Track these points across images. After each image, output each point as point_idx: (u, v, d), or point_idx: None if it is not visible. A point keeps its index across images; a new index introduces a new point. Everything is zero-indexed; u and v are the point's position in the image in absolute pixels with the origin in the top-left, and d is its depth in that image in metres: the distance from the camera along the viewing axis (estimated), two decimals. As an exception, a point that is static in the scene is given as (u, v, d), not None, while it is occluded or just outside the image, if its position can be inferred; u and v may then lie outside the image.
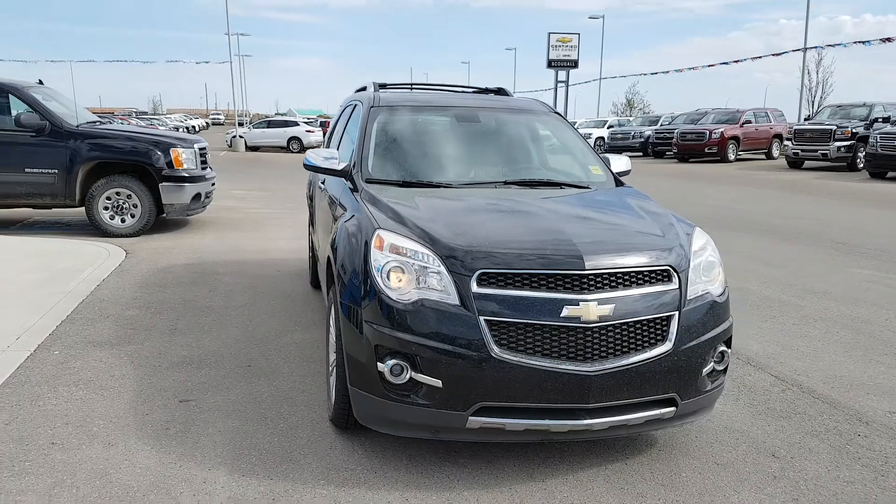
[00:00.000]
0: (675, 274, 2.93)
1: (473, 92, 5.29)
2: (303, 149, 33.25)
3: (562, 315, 2.69)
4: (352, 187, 3.72)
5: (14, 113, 8.07)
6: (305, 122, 37.32)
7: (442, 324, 2.71)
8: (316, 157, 3.97)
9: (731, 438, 3.34)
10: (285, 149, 33.57)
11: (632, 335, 2.78)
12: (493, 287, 2.75)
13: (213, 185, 9.54)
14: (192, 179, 8.73)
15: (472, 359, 2.67)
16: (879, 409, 3.68)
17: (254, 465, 2.94)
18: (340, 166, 3.89)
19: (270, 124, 35.77)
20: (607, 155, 4.37)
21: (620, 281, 2.82)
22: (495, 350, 2.67)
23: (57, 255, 6.97)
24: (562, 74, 45.45)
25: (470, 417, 2.72)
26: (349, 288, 2.98)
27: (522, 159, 4.21)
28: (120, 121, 25.60)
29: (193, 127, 60.75)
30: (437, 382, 2.71)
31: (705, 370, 2.95)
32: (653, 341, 2.82)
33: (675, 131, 26.07)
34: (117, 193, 8.36)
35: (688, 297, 2.93)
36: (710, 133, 24.70)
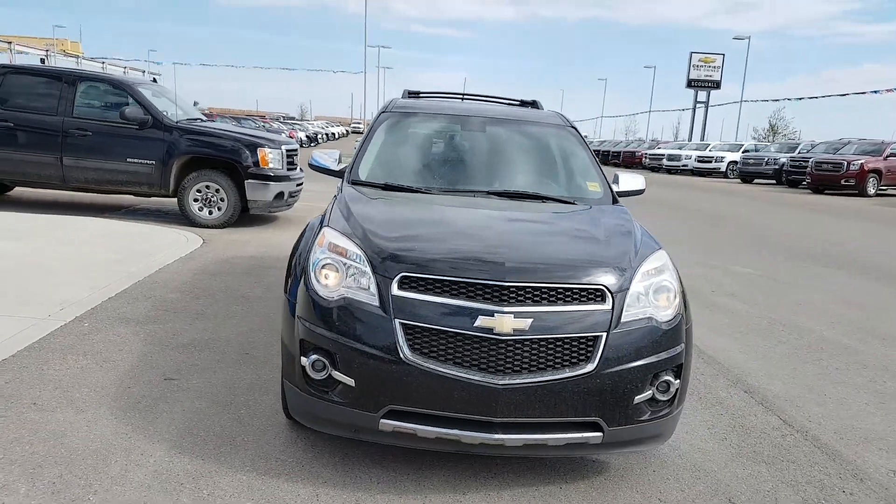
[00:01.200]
0: (609, 294, 2.79)
1: (504, 103, 5.26)
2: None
3: (475, 325, 2.64)
4: (339, 188, 3.83)
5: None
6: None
7: (361, 324, 2.74)
8: (321, 156, 4.11)
9: (691, 477, 3.11)
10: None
11: (550, 352, 2.67)
12: (413, 291, 2.74)
13: (299, 185, 10.01)
14: (277, 179, 9.23)
15: (383, 361, 2.67)
16: (883, 468, 3.28)
17: (194, 445, 3.09)
18: (339, 167, 4.00)
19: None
20: (619, 172, 4.21)
21: (544, 296, 2.72)
22: (407, 354, 2.66)
23: (138, 239, 7.63)
24: (701, 95, 43.62)
25: (381, 420, 2.72)
26: (291, 281, 3.08)
27: (517, 171, 4.14)
28: (226, 120, 27.26)
29: (333, 134, 63.86)
30: (351, 381, 2.73)
31: (639, 398, 2.77)
32: (574, 361, 2.69)
33: (811, 160, 24.16)
34: (207, 187, 8.99)
35: (622, 320, 2.77)
36: (849, 164, 22.55)
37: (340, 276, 2.85)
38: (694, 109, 42.18)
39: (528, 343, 2.65)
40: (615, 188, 4.16)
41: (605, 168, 4.18)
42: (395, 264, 2.79)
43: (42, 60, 25.98)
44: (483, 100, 5.28)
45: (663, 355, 2.83)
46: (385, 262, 2.80)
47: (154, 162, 8.88)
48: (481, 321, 2.64)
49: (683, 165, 34.08)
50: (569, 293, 2.76)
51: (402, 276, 2.76)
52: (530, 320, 2.66)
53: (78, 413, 3.31)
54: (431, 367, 2.64)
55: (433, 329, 2.67)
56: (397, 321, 2.69)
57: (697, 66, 42.58)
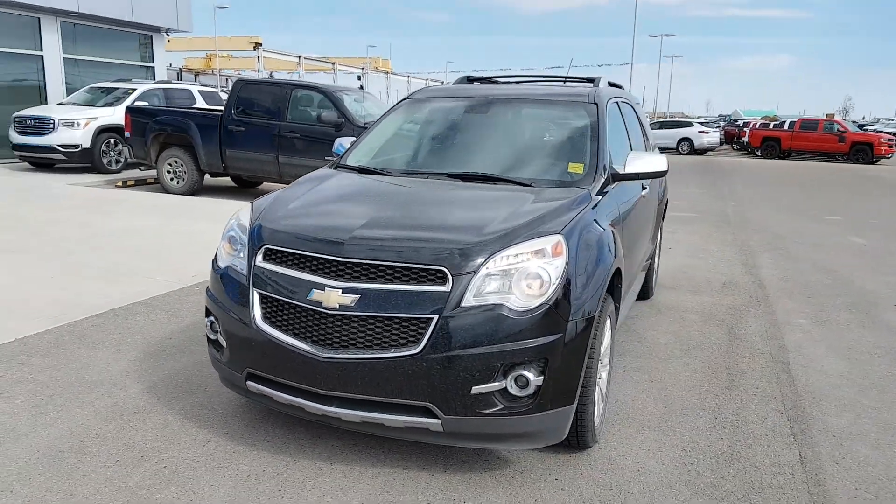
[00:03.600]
0: (450, 277, 2.61)
1: (561, 81, 4.94)
2: (692, 150, 31.88)
3: (308, 297, 2.71)
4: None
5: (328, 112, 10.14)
6: (700, 123, 35.54)
7: (231, 291, 2.99)
8: (341, 143, 4.38)
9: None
10: (675, 150, 32.64)
11: (378, 330, 2.62)
12: (272, 263, 2.90)
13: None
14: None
15: (241, 327, 2.89)
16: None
17: (130, 403, 3.53)
18: (341, 153, 4.23)
19: (663, 125, 35.14)
20: (638, 153, 3.74)
21: (380, 274, 2.66)
22: (258, 321, 2.83)
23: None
24: None
25: (247, 381, 2.93)
26: None
27: (497, 153, 3.90)
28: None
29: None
30: (224, 343, 2.99)
31: (480, 388, 2.58)
32: (402, 342, 2.60)
33: None
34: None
35: (463, 304, 2.58)
36: None
37: (231, 248, 3.11)
38: None
39: (355, 319, 2.64)
40: (620, 170, 3.72)
41: None
42: (261, 238, 2.97)
43: (270, 74, 30.07)
44: (536, 81, 5.03)
45: (514, 346, 2.58)
46: (256, 236, 3.01)
47: (346, 158, 9.95)
48: (313, 294, 2.71)
49: None
50: (407, 272, 2.66)
51: (266, 249, 2.93)
52: (357, 297, 2.64)
53: (56, 371, 4.06)
54: (274, 335, 2.78)
55: (278, 300, 2.81)
56: (254, 290, 2.88)
57: None
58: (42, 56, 15.32)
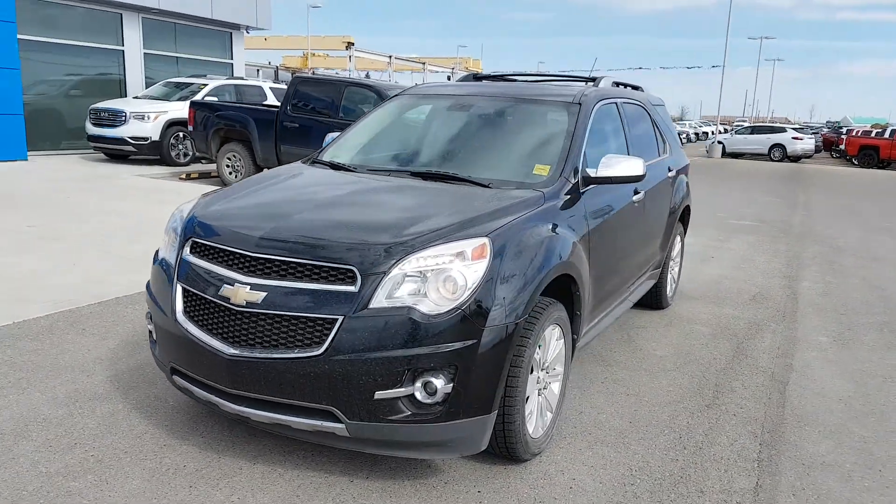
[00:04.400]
0: (359, 277, 2.53)
1: (558, 81, 4.75)
2: (785, 157, 30.29)
3: (219, 293, 2.71)
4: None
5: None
6: (795, 129, 33.67)
7: (160, 284, 3.03)
8: (330, 137, 4.37)
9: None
10: (766, 156, 31.10)
11: (283, 330, 2.58)
12: (195, 256, 2.92)
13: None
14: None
15: (165, 319, 2.91)
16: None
17: (89, 390, 3.63)
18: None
19: (754, 130, 33.54)
20: (613, 156, 3.53)
21: (290, 272, 2.62)
22: (178, 315, 2.85)
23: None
24: None
25: (172, 376, 2.96)
26: None
27: (466, 152, 3.78)
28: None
29: (705, 133, 59.88)
30: (155, 336, 3.04)
31: (384, 394, 2.49)
32: (306, 342, 2.54)
33: None
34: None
35: (372, 305, 2.50)
36: None
37: (169, 241, 3.14)
38: None
39: (262, 317, 2.60)
40: (592, 173, 3.52)
41: None
42: (188, 230, 3.00)
43: (367, 74, 30.60)
44: (537, 79, 4.86)
45: (422, 351, 2.48)
46: (184, 229, 3.03)
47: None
48: (224, 289, 2.69)
49: None
50: (317, 271, 2.60)
51: (192, 241, 2.95)
52: (264, 294, 2.60)
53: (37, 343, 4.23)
54: (191, 330, 2.78)
55: (196, 294, 2.81)
56: (178, 283, 2.90)
57: None
58: (123, 51, 16.19)
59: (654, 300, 5.38)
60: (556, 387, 3.22)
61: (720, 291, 6.23)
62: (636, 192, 4.20)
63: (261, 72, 27.34)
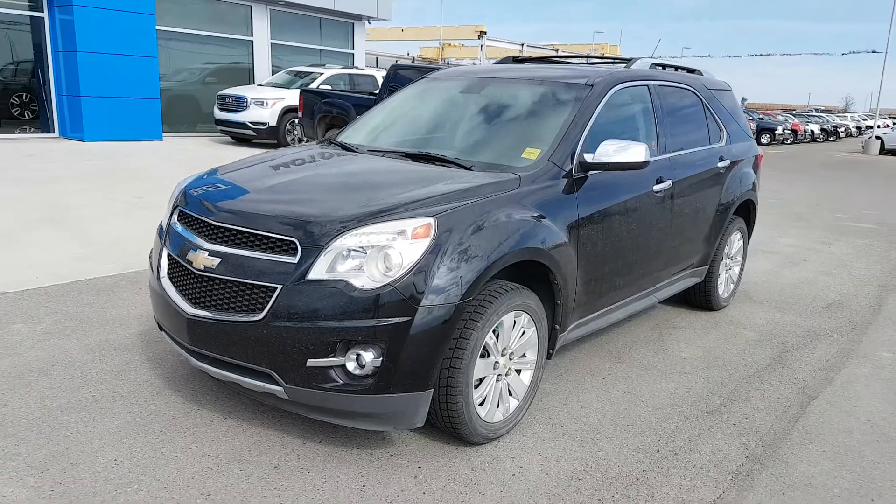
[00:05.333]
0: (300, 249, 2.66)
1: (592, 62, 4.59)
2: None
3: (185, 257, 2.93)
4: None
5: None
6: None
7: (155, 248, 3.36)
8: None
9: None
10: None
11: (232, 294, 2.76)
12: (180, 224, 3.16)
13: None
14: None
15: (154, 280, 3.19)
16: None
17: (118, 342, 4.04)
18: None
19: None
20: (613, 141, 3.41)
21: (243, 241, 2.80)
22: (163, 277, 3.11)
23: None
24: None
25: (161, 330, 3.24)
26: None
27: (463, 134, 3.78)
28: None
29: (869, 127, 54.46)
30: (149, 294, 3.34)
31: (317, 362, 2.61)
32: (249, 308, 2.71)
33: None
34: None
35: (310, 277, 2.62)
36: None
37: (167, 210, 3.42)
38: None
39: (216, 281, 2.80)
40: (589, 158, 3.42)
41: None
42: (178, 201, 3.28)
43: (412, 59, 30.94)
44: (566, 60, 4.74)
45: (353, 324, 2.57)
46: (178, 196, 3.30)
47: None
48: (189, 254, 2.92)
49: None
50: (264, 241, 2.76)
51: (179, 211, 3.21)
52: (219, 260, 2.79)
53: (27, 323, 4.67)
54: (168, 289, 3.04)
55: (173, 257, 3.07)
56: (165, 248, 3.17)
57: None
58: (252, 41, 17.35)
59: (702, 300, 5.09)
60: (527, 375, 3.18)
61: (793, 297, 5.77)
62: (660, 181, 4.00)
63: (379, 61, 28.31)
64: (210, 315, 2.78)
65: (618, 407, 3.49)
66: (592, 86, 3.75)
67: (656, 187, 3.98)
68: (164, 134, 14.73)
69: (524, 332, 3.09)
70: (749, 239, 5.66)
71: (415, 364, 2.63)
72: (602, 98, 3.72)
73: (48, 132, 14.30)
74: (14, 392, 3.25)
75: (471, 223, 2.80)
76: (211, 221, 2.91)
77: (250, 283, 2.71)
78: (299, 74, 15.66)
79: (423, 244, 2.65)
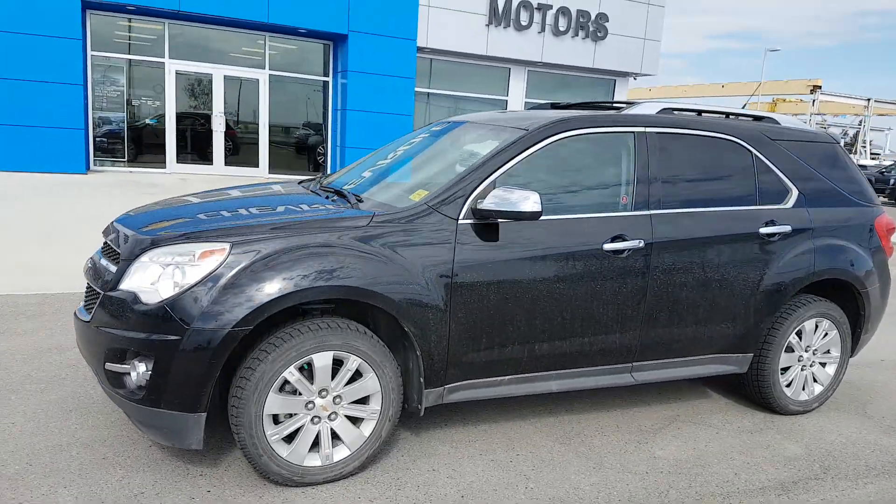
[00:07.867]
0: (120, 261, 3.00)
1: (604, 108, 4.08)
2: None
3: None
4: None
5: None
6: None
7: None
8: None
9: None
10: None
11: (89, 297, 3.20)
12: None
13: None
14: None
15: None
16: None
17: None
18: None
19: None
20: (506, 188, 3.14)
21: (112, 255, 3.19)
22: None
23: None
24: None
25: None
26: None
27: (397, 175, 3.88)
28: None
29: None
30: None
31: (111, 367, 2.92)
32: (91, 310, 3.08)
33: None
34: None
35: (120, 287, 2.92)
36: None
37: None
38: None
39: (89, 286, 3.25)
40: (482, 205, 3.16)
41: None
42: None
43: (824, 119, 27.33)
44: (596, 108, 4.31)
45: (132, 335, 2.82)
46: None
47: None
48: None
49: None
50: (114, 255, 3.13)
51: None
52: (91, 266, 3.28)
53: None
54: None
55: None
56: None
57: None
58: (506, 101, 18.30)
59: (755, 395, 4.16)
60: (368, 426, 3.06)
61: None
62: (620, 239, 3.45)
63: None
64: (82, 316, 3.24)
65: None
66: (527, 130, 3.45)
67: (610, 245, 3.44)
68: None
69: (362, 376, 2.99)
70: (864, 333, 4.40)
71: (183, 386, 2.74)
72: (534, 145, 3.41)
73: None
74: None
75: (272, 253, 2.84)
76: (105, 238, 3.40)
77: (92, 289, 3.15)
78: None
79: (207, 268, 2.79)
